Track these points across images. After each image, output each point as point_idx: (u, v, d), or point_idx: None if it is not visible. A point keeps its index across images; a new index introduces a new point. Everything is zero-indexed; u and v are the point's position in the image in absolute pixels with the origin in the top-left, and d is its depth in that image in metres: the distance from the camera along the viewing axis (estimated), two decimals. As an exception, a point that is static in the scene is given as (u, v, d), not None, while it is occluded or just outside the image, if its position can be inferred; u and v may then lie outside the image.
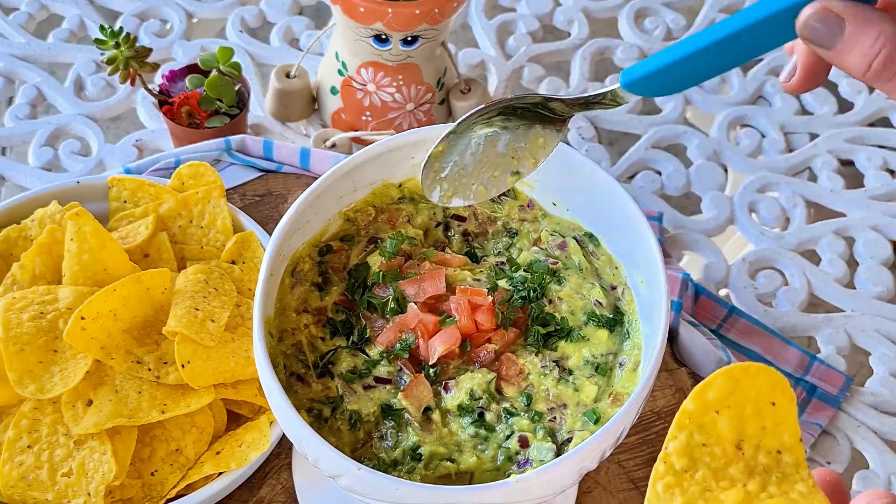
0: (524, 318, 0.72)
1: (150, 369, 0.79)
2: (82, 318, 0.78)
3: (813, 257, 1.10)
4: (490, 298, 0.70)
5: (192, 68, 1.07)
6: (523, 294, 0.72)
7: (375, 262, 0.74)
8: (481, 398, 0.68)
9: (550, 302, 0.72)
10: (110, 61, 1.03)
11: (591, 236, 0.76)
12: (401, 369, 0.69)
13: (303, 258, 0.74)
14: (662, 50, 0.59)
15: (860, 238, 1.11)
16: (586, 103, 0.64)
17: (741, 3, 1.36)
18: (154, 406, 0.78)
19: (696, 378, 0.93)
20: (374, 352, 0.70)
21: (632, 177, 1.16)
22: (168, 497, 0.78)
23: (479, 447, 0.67)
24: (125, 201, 0.94)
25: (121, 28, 1.03)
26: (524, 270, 0.74)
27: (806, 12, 0.51)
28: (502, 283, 0.73)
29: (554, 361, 0.70)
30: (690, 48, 0.57)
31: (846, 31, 0.51)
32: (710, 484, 0.43)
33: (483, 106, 0.66)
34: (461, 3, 1.01)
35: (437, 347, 0.68)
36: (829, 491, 0.46)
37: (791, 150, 1.20)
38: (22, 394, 0.77)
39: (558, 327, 0.71)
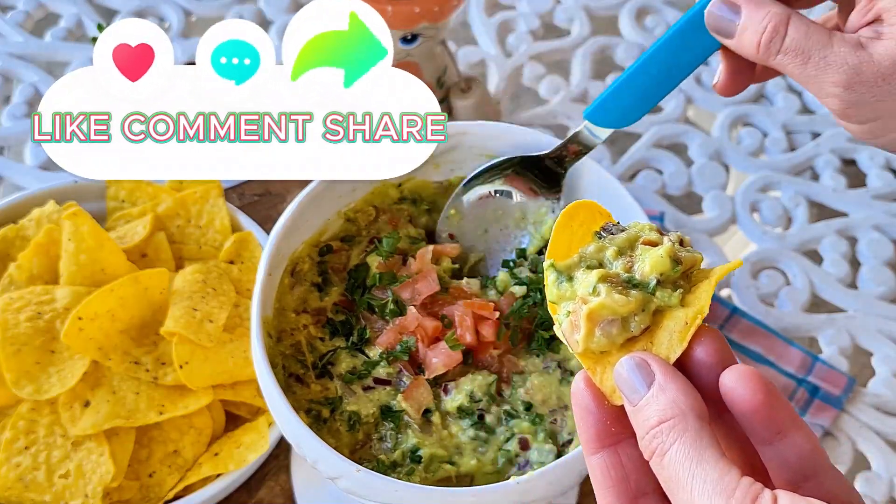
0: (529, 327, 0.71)
1: (147, 370, 0.79)
2: (80, 319, 0.77)
3: (815, 257, 1.09)
4: (497, 314, 0.69)
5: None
6: (529, 303, 0.71)
7: (374, 262, 0.73)
8: (482, 400, 0.67)
9: (554, 303, 0.72)
10: (108, 60, 1.02)
11: (592, 236, 0.76)
12: (400, 371, 0.69)
13: (302, 258, 0.74)
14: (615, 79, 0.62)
15: (863, 238, 1.10)
16: (567, 153, 0.69)
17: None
18: (152, 407, 0.78)
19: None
20: (373, 353, 0.69)
21: (633, 176, 1.16)
22: (166, 499, 0.78)
23: (480, 450, 0.66)
24: (123, 201, 0.93)
25: (119, 26, 1.02)
26: (530, 271, 0.73)
27: (710, 5, 0.57)
28: (512, 285, 0.72)
29: (556, 362, 0.70)
30: (632, 67, 0.61)
31: (742, 15, 0.56)
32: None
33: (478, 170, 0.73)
34: (461, 1, 1.00)
35: (436, 364, 0.68)
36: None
37: (793, 150, 1.19)
38: (19, 395, 0.77)
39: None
